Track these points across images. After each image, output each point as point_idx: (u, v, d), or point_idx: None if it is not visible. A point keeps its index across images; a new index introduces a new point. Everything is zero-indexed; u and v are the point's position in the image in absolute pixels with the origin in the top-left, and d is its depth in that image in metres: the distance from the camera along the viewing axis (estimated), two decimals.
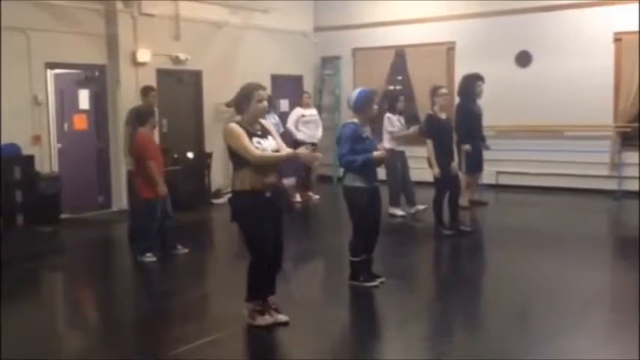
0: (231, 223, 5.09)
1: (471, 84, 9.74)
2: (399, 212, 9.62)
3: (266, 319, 5.09)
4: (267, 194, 4.94)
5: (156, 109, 7.96)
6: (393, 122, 9.58)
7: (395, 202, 9.66)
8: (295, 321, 5.21)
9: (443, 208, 8.36)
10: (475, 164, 9.78)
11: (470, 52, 12.16)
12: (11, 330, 5.27)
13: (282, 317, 5.17)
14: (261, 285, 5.12)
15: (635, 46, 10.66)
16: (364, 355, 4.85)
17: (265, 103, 5.02)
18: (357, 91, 6.28)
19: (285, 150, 5.10)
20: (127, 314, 5.99)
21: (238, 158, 4.92)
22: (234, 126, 4.93)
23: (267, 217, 4.97)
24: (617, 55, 11.06)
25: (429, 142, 8.20)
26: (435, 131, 8.22)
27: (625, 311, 5.59)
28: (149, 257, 7.31)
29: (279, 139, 5.17)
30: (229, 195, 5.24)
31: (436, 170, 8.13)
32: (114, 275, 7.43)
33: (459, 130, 9.07)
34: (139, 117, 7.47)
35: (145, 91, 8.64)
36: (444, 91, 8.43)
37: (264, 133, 5.05)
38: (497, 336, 5.04)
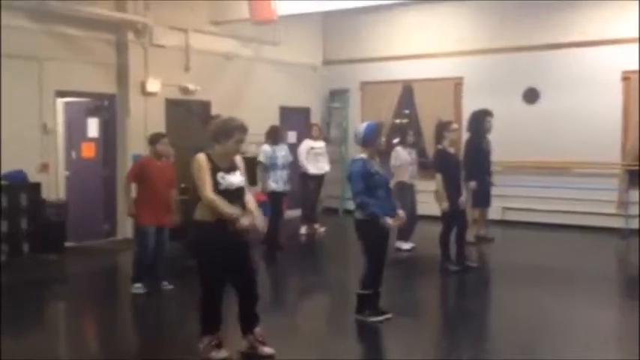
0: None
1: (481, 119, 9.77)
2: (406, 246, 9.57)
3: (220, 354, 5.03)
4: (229, 227, 4.91)
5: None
6: (399, 156, 9.56)
7: (403, 236, 9.61)
8: (298, 355, 5.15)
9: (450, 243, 8.32)
10: (482, 199, 9.76)
11: (478, 87, 12.22)
12: (12, 356, 5.23)
13: (267, 350, 5.12)
14: (213, 318, 5.09)
15: None
16: None
17: (242, 146, 5.07)
18: (364, 124, 6.29)
19: (234, 210, 4.92)
20: (124, 345, 5.93)
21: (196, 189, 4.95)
22: (201, 158, 4.96)
23: (228, 250, 4.93)
24: (626, 93, 11.10)
25: (438, 177, 8.19)
26: (444, 166, 8.22)
27: (631, 352, 5.48)
28: (137, 288, 7.15)
29: (245, 179, 5.15)
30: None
31: (445, 205, 8.11)
32: (115, 305, 7.36)
33: (466, 165, 9.07)
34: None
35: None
36: (455, 126, 8.50)
37: (232, 168, 5.05)
38: None
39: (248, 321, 5.15)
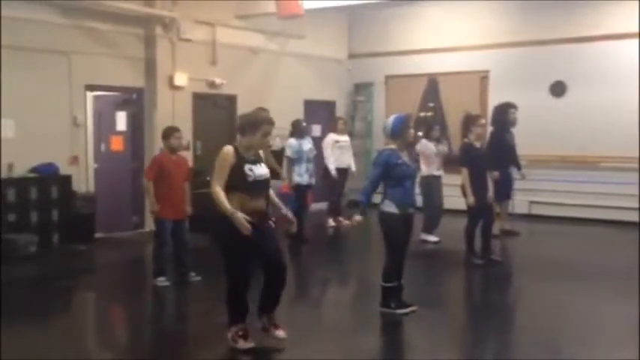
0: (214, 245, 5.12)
1: (504, 112, 9.71)
2: (432, 238, 9.59)
3: (248, 343, 5.09)
4: (253, 220, 4.95)
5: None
6: (425, 148, 9.59)
7: (428, 229, 9.64)
8: (321, 346, 5.21)
9: (475, 237, 8.32)
10: (503, 192, 9.70)
11: (504, 81, 12.16)
12: (42, 347, 5.37)
13: (279, 333, 5.20)
14: (240, 308, 5.15)
15: None
16: None
17: (269, 139, 5.12)
18: (392, 117, 6.31)
19: (230, 207, 4.92)
20: (151, 335, 6.05)
21: (230, 181, 4.98)
22: (226, 151, 5.03)
23: (255, 238, 4.95)
24: None
25: (464, 171, 8.18)
26: (471, 160, 8.21)
27: None
28: (161, 282, 7.23)
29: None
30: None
31: (471, 199, 8.11)
32: (143, 295, 7.47)
33: (489, 158, 9.02)
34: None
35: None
36: (482, 121, 8.43)
37: (258, 160, 5.14)
38: None
39: (270, 302, 5.21)
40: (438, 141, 9.84)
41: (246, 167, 5.01)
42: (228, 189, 5.00)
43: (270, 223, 5.19)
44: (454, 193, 10.09)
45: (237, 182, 4.97)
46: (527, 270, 8.53)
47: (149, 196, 7.24)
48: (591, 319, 6.16)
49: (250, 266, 5.10)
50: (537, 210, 11.76)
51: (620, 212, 11.10)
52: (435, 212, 9.69)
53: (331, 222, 11.06)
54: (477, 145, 8.32)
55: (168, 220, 7.23)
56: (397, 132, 6.15)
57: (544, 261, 8.78)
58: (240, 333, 5.12)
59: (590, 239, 10.44)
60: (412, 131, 6.31)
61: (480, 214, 8.24)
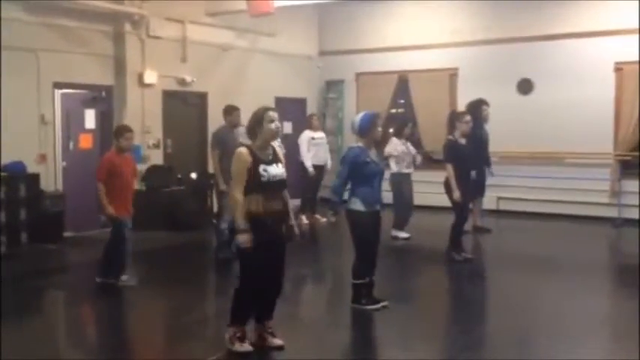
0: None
1: (478, 109, 9.78)
2: (403, 235, 9.68)
3: (244, 347, 5.03)
4: (270, 221, 4.96)
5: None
6: (395, 147, 9.67)
7: (399, 225, 9.72)
8: (296, 343, 5.25)
9: (462, 233, 8.34)
10: (477, 189, 9.80)
11: (472, 78, 12.30)
12: (13, 346, 5.32)
13: (277, 341, 5.17)
14: (245, 311, 5.11)
15: (635, 75, 10.83)
16: None
17: (277, 123, 5.05)
18: (360, 114, 6.36)
19: (242, 225, 4.94)
20: (124, 333, 6.04)
21: (247, 183, 4.94)
22: (241, 153, 4.98)
23: (268, 243, 4.96)
24: (618, 84, 11.20)
25: (449, 167, 8.13)
26: (455, 157, 8.16)
27: (624, 339, 5.63)
28: (126, 281, 7.13)
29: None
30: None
31: (457, 194, 8.05)
32: (112, 294, 7.41)
33: (473, 156, 8.98)
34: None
35: (229, 110, 8.64)
36: (468, 118, 8.38)
37: (275, 159, 5.08)
38: (498, 358, 5.09)
39: (265, 312, 5.18)
40: (408, 139, 9.92)
41: (261, 168, 4.95)
42: (245, 191, 4.95)
43: (293, 226, 5.20)
44: (425, 190, 10.21)
45: (253, 183, 4.92)
46: (497, 265, 8.67)
47: (103, 197, 7.02)
48: (559, 312, 6.28)
49: (264, 270, 5.01)
50: (505, 206, 11.92)
51: (587, 207, 11.31)
52: (405, 209, 9.78)
53: (304, 219, 11.08)
54: (462, 142, 8.29)
55: (125, 217, 7.15)
56: (365, 130, 6.20)
57: (513, 256, 8.92)
58: (239, 335, 5.06)
59: (558, 234, 10.63)
60: (380, 129, 6.36)
61: (466, 210, 8.25)
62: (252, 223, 4.92)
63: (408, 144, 9.89)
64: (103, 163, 7.18)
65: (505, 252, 9.29)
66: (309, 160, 10.93)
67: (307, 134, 11.17)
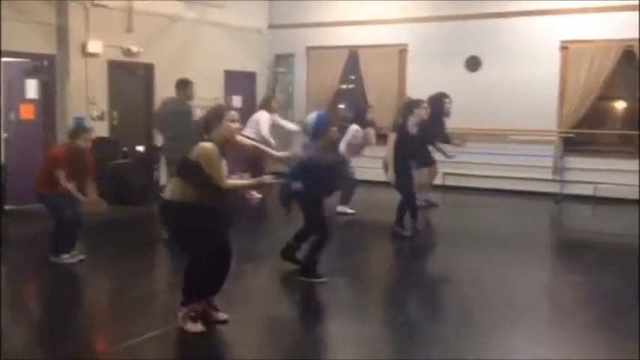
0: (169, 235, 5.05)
1: (439, 102, 9.71)
2: (349, 210, 9.73)
3: (197, 327, 4.96)
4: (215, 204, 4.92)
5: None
6: (355, 136, 9.25)
7: (344, 200, 9.76)
8: (240, 318, 5.26)
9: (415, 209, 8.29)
10: (427, 158, 9.90)
11: (422, 54, 12.38)
12: None
13: (221, 315, 5.17)
14: (198, 290, 5.04)
15: (580, 54, 11.08)
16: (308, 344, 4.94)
17: (237, 124, 4.98)
18: (313, 115, 6.34)
19: (249, 180, 5.06)
20: (71, 309, 5.94)
21: (198, 176, 4.80)
22: (212, 149, 4.80)
23: (215, 223, 4.95)
24: (563, 62, 11.41)
25: (392, 137, 7.96)
26: (401, 142, 7.95)
27: (560, 309, 5.88)
28: (73, 257, 7.04)
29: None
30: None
31: (391, 174, 7.99)
32: (57, 270, 7.28)
33: (420, 149, 8.89)
34: None
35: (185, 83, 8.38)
36: (426, 105, 8.26)
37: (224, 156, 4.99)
38: (441, 331, 5.19)
39: (215, 289, 5.15)
40: (370, 125, 9.50)
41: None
42: (189, 180, 4.85)
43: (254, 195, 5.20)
44: (369, 165, 10.24)
45: (206, 179, 4.82)
46: (443, 240, 8.81)
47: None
48: (501, 285, 6.44)
49: (216, 247, 4.98)
50: (451, 181, 12.09)
51: (530, 183, 11.58)
52: (350, 185, 9.77)
53: (256, 194, 10.94)
54: (414, 131, 8.08)
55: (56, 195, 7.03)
56: (319, 131, 6.20)
57: (458, 231, 9.07)
58: (192, 314, 4.99)
59: (502, 210, 10.86)
60: (335, 128, 6.37)
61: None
62: (197, 210, 4.83)
63: (372, 131, 9.42)
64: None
65: (450, 227, 9.44)
66: (271, 139, 10.57)
67: (267, 117, 10.64)
